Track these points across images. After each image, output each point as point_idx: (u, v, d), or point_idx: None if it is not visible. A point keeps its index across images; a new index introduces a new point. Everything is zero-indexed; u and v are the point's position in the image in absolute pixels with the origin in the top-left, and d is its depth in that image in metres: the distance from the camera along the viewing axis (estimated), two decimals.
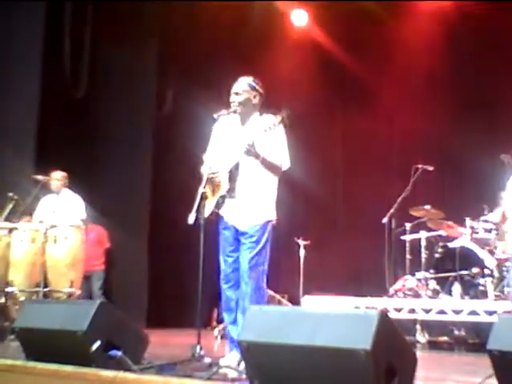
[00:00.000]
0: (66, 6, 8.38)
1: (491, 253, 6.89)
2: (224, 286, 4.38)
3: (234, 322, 4.30)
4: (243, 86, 4.42)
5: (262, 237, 4.28)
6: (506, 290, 6.43)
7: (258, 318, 3.27)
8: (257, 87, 4.44)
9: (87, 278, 7.68)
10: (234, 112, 4.40)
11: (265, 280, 4.31)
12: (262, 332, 3.15)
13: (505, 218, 5.56)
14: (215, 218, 4.40)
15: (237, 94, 4.41)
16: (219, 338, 7.00)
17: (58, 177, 7.02)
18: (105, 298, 7.82)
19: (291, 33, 9.85)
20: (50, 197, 7.04)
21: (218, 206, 4.35)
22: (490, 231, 7.05)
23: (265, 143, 4.21)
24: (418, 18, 9.06)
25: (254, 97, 4.42)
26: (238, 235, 4.35)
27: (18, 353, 4.06)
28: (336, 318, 3.02)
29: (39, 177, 6.73)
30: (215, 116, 4.42)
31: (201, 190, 4.23)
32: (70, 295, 6.22)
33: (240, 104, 4.39)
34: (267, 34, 9.60)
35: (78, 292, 6.42)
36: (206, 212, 4.30)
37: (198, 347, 4.09)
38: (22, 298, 6.00)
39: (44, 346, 3.81)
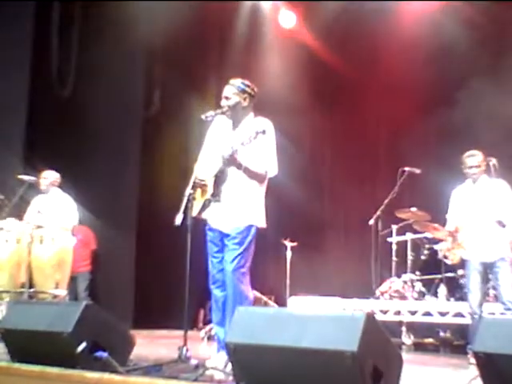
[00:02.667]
0: (55, 6, 8.34)
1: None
2: (212, 287, 4.40)
3: (221, 322, 4.31)
4: (232, 90, 4.41)
5: (245, 240, 4.28)
6: (491, 291, 6.47)
7: (246, 319, 3.27)
8: (246, 89, 4.41)
9: (73, 279, 7.63)
10: (222, 113, 4.40)
11: (246, 282, 4.30)
12: (249, 333, 3.15)
13: (458, 228, 5.66)
14: (201, 218, 4.41)
15: (226, 98, 4.40)
16: (206, 339, 7.00)
17: (48, 176, 6.96)
18: (91, 299, 7.77)
19: (279, 34, 9.86)
20: (41, 197, 6.98)
21: (204, 208, 4.36)
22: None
23: (251, 149, 4.20)
24: (404, 20, 9.09)
25: (244, 99, 4.39)
26: (222, 236, 4.36)
27: (3, 354, 4.03)
28: (323, 320, 3.02)
29: (25, 177, 6.65)
30: (203, 117, 4.40)
31: (188, 191, 4.23)
32: (55, 296, 6.18)
33: (230, 108, 4.38)
34: (255, 36, 9.60)
35: (64, 293, 6.38)
36: (194, 212, 4.31)
37: (185, 348, 4.08)
38: (7, 299, 5.95)
39: (29, 347, 3.78)
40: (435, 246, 7.37)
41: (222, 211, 4.34)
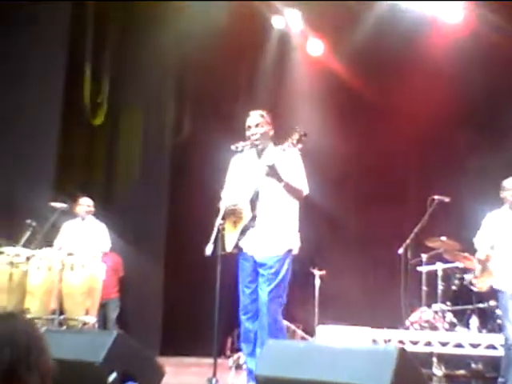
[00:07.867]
0: (88, 33, 8.52)
1: None
2: (243, 318, 4.36)
3: (252, 353, 4.28)
4: (260, 119, 4.46)
5: (282, 268, 4.26)
6: None
7: (276, 351, 3.25)
8: (269, 120, 4.52)
9: (102, 306, 7.65)
10: (256, 146, 4.42)
11: (280, 313, 4.28)
12: (279, 366, 3.13)
13: (489, 257, 5.55)
14: (238, 250, 4.38)
15: (257, 126, 4.43)
16: (234, 368, 6.94)
17: (84, 203, 7.07)
18: (119, 326, 7.79)
19: (307, 62, 9.91)
20: (73, 222, 7.06)
21: (241, 236, 4.32)
22: None
23: (284, 168, 4.22)
24: (431, 46, 9.07)
25: (270, 129, 4.49)
26: (256, 266, 4.32)
27: None
28: (354, 354, 3.00)
29: (57, 204, 6.71)
30: (233, 147, 4.43)
31: (218, 221, 4.22)
32: (85, 323, 6.21)
33: (261, 136, 4.42)
34: (283, 65, 9.68)
35: (94, 320, 6.40)
36: (229, 245, 4.28)
37: (214, 380, 4.06)
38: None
39: (60, 376, 3.78)
40: (466, 276, 7.26)
41: (257, 237, 4.31)
